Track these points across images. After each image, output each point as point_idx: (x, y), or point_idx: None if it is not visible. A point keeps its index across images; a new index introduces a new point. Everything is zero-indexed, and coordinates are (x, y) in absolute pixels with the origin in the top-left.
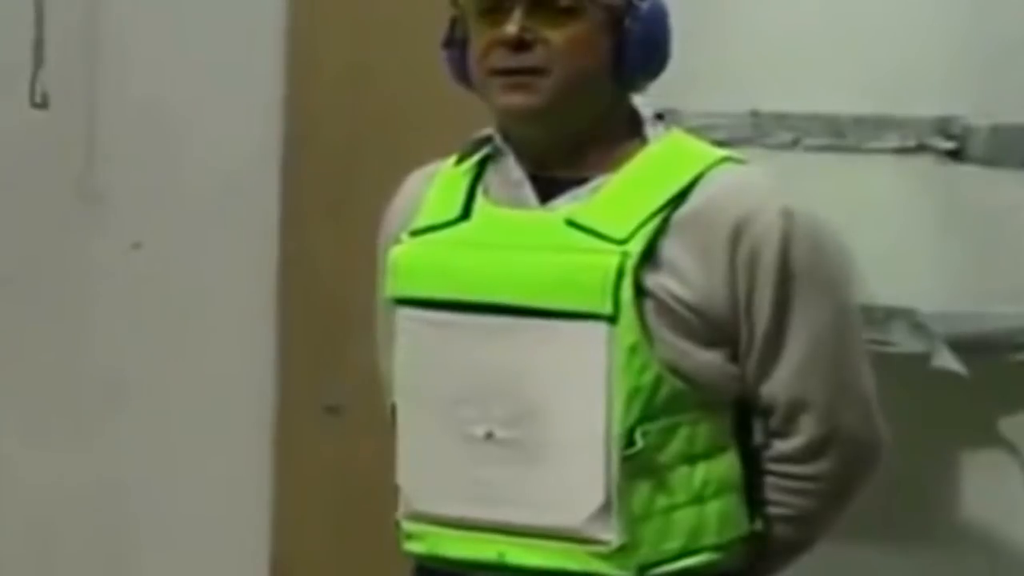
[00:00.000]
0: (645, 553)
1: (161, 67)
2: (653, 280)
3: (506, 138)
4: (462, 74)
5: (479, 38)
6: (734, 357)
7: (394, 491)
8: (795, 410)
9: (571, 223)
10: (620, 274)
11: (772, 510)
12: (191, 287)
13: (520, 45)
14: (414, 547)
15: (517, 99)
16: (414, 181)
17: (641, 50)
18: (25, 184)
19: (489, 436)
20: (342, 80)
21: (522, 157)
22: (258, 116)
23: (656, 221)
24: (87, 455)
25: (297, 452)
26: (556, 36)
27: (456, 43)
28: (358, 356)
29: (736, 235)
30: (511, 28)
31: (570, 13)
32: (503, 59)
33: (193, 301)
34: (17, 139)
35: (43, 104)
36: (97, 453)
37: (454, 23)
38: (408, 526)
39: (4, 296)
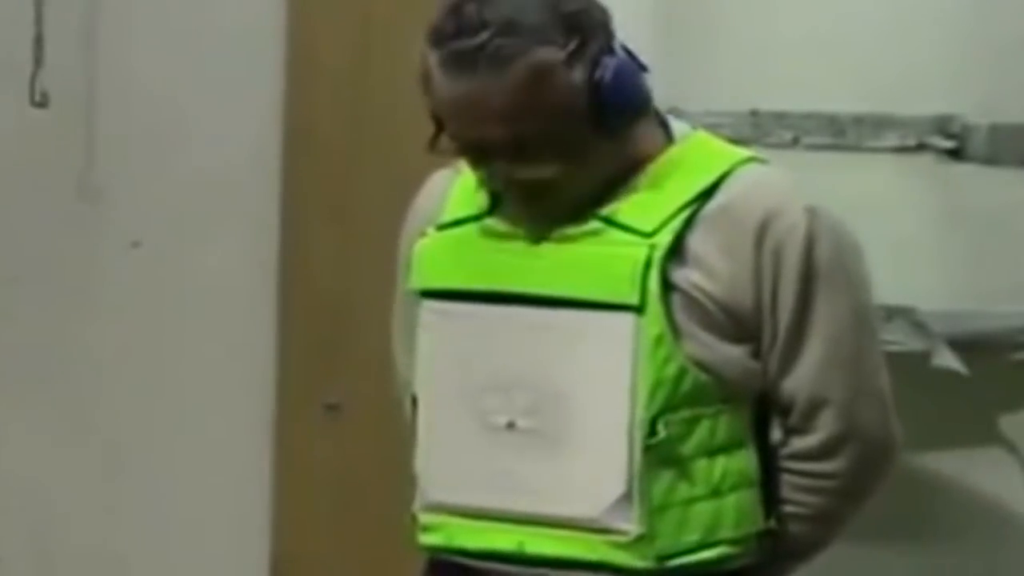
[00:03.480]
0: (663, 544)
1: (161, 66)
2: (680, 274)
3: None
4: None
5: (470, 163)
6: (756, 354)
7: (394, 489)
8: (814, 407)
9: (598, 216)
10: (648, 265)
11: (788, 508)
12: (191, 286)
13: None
14: (430, 539)
15: (539, 207)
16: (439, 179)
17: (618, 112)
18: (25, 183)
19: (511, 426)
20: (342, 80)
21: None
22: (258, 116)
23: (683, 216)
24: (86, 454)
25: (297, 450)
26: (538, 172)
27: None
28: (357, 354)
29: (762, 231)
30: (495, 185)
31: (537, 149)
32: (507, 177)
33: (193, 300)
34: (17, 138)
35: (43, 103)
36: (96, 452)
37: (438, 128)
38: (425, 518)
39: (4, 295)
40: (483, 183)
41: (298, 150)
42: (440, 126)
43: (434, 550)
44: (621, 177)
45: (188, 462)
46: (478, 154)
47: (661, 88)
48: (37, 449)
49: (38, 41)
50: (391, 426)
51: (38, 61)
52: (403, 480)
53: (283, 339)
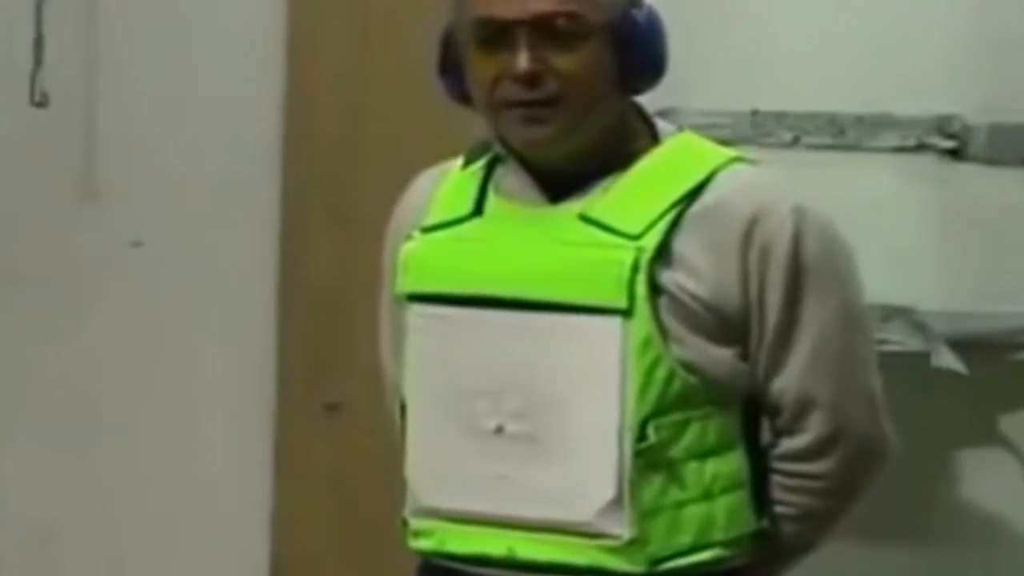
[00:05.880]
0: (655, 548)
1: (161, 66)
2: (667, 276)
3: (509, 149)
4: (462, 96)
5: (481, 67)
6: (745, 355)
7: (394, 489)
8: (804, 407)
9: (585, 218)
10: (635, 269)
11: (779, 509)
12: (191, 286)
13: (533, 78)
14: (421, 544)
15: (535, 132)
16: (424, 180)
17: (645, 61)
18: (25, 183)
19: (499, 430)
20: (342, 80)
21: (531, 163)
22: (258, 116)
23: (669, 218)
24: (85, 453)
25: (297, 450)
26: (565, 63)
27: (452, 68)
28: (357, 354)
29: (748, 231)
30: (523, 64)
31: (574, 37)
32: (516, 93)
33: (193, 300)
34: (17, 138)
35: (43, 103)
36: (96, 451)
37: (446, 47)
38: (415, 523)
39: (4, 295)
40: (489, 100)
41: (298, 150)
42: (447, 50)
43: (424, 555)
44: (608, 168)
45: (188, 462)
46: (504, 36)
47: (661, 88)
48: (37, 448)
49: (38, 41)
50: (396, 427)
51: (38, 61)
52: (403, 480)
53: (283, 339)
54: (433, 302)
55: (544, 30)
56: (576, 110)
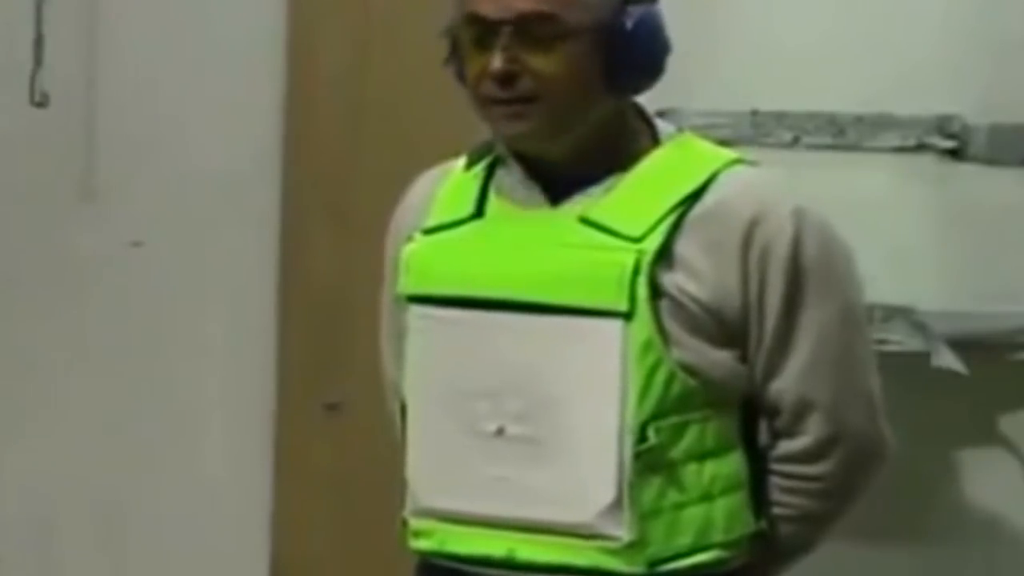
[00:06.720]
0: (655, 550)
1: (161, 66)
2: (668, 279)
3: (511, 150)
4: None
5: (470, 65)
6: (744, 358)
7: (394, 489)
8: (802, 409)
9: (585, 221)
10: (636, 271)
11: (777, 510)
12: (191, 286)
13: (507, 77)
14: (421, 544)
15: (512, 128)
16: (424, 181)
17: (633, 63)
18: (25, 183)
19: (500, 432)
20: (342, 80)
21: (530, 163)
22: (258, 116)
23: (670, 220)
24: (86, 453)
25: (297, 450)
26: (542, 64)
27: (456, 59)
28: (357, 354)
29: (749, 234)
30: (495, 63)
31: (552, 37)
32: (493, 90)
33: (193, 300)
34: (17, 138)
35: (43, 103)
36: (96, 451)
37: (453, 40)
38: (415, 523)
39: (4, 294)
40: (475, 96)
41: (298, 150)
42: (455, 44)
43: (424, 555)
44: (608, 169)
45: (188, 462)
46: (491, 36)
47: (661, 88)
48: (37, 448)
49: (38, 41)
50: (396, 428)
51: (38, 61)
52: (403, 481)
53: (283, 339)
54: (434, 304)
55: (525, 31)
56: (554, 108)
